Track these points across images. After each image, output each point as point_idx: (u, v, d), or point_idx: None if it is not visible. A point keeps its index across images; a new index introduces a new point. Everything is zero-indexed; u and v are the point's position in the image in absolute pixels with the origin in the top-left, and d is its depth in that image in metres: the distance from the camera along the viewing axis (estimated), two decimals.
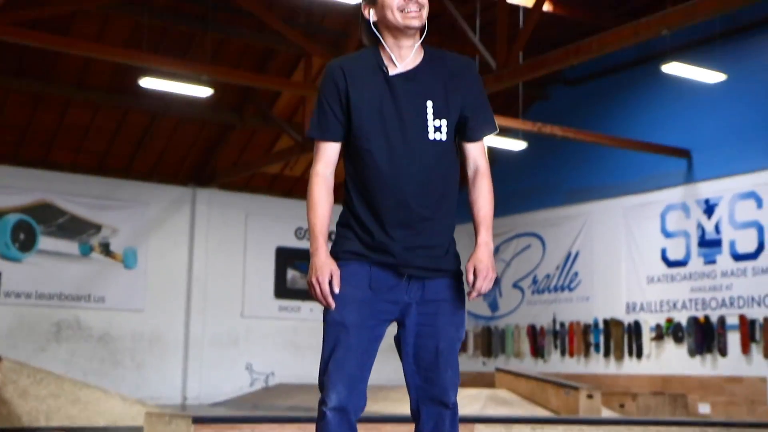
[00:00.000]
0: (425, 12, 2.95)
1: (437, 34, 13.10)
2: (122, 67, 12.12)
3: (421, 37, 3.01)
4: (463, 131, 3.03)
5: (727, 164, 12.29)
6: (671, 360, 12.74)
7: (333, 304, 2.88)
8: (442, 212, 2.98)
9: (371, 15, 2.99)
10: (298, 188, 15.93)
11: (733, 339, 12.01)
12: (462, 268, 3.03)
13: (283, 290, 15.65)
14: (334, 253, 2.98)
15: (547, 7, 11.57)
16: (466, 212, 3.07)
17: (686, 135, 12.83)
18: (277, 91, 13.58)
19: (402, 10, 2.91)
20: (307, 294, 15.81)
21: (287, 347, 15.56)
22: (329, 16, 12.83)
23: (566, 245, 14.54)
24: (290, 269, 15.77)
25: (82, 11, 11.83)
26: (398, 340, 3.01)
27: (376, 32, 2.99)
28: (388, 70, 2.96)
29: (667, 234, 13.12)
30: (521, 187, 14.90)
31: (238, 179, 15.18)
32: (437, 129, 2.94)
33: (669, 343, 12.81)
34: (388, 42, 2.98)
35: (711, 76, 11.73)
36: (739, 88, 12.13)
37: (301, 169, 15.59)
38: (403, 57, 2.97)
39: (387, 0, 2.93)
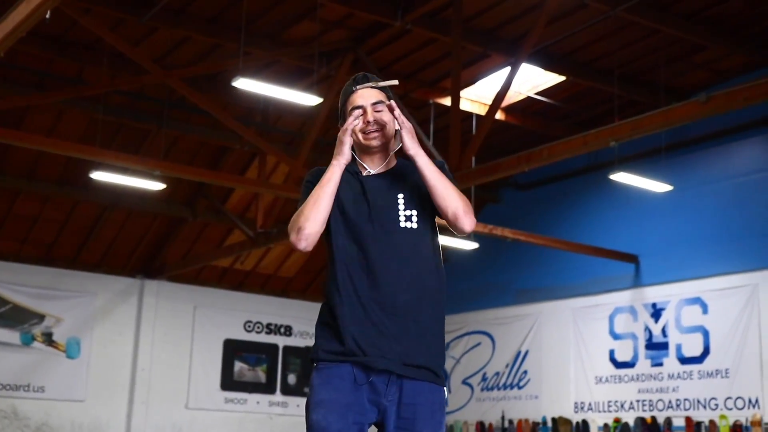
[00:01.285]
0: (388, 129, 3.13)
1: None
2: (74, 159, 12.08)
3: (395, 148, 3.17)
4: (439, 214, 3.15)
5: (674, 270, 12.54)
6: None
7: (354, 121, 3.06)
8: (423, 305, 3.02)
9: None
10: (248, 282, 15.86)
11: None
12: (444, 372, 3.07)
13: (229, 382, 15.46)
14: (315, 354, 3.03)
15: (499, 115, 11.86)
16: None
17: (634, 241, 13.09)
18: (230, 187, 13.62)
19: (363, 132, 3.11)
20: (254, 386, 15.70)
21: None
22: (284, 116, 12.98)
23: (516, 344, 14.61)
24: (238, 361, 15.60)
25: (36, 105, 11.80)
26: None
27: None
28: (361, 173, 3.15)
29: (615, 336, 13.28)
30: (472, 285, 15.00)
31: (187, 272, 15.06)
32: (408, 218, 3.07)
33: None
34: (359, 154, 3.18)
35: (658, 187, 12.07)
36: (685, 198, 12.48)
37: (252, 263, 15.54)
38: (375, 164, 3.17)
39: (353, 123, 3.14)
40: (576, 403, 13.56)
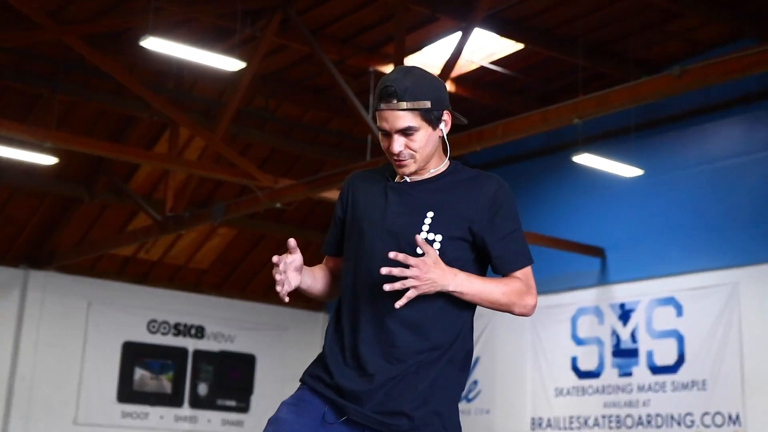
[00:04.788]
0: (421, 154, 3.04)
1: (326, 109, 13.77)
2: None
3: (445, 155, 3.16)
4: (488, 261, 3.10)
5: (645, 266, 12.88)
6: None
7: (281, 290, 2.99)
8: (428, 346, 3.00)
9: None
10: (154, 274, 16.09)
11: None
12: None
13: (128, 393, 15.61)
14: (303, 375, 3.16)
15: (448, 87, 12.36)
16: None
17: (600, 232, 13.42)
18: (135, 163, 13.78)
19: (392, 154, 3.05)
20: (157, 398, 15.91)
21: None
22: (201, 82, 13.23)
23: None
24: (139, 368, 15.76)
25: None
26: None
27: None
28: (391, 179, 3.14)
29: (578, 341, 13.66)
30: None
31: (81, 261, 15.20)
32: (429, 243, 2.98)
33: None
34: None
35: (626, 171, 12.52)
36: (658, 184, 12.85)
37: (159, 252, 15.78)
38: (414, 174, 3.11)
39: (382, 142, 3.10)
40: (533, 419, 13.91)
